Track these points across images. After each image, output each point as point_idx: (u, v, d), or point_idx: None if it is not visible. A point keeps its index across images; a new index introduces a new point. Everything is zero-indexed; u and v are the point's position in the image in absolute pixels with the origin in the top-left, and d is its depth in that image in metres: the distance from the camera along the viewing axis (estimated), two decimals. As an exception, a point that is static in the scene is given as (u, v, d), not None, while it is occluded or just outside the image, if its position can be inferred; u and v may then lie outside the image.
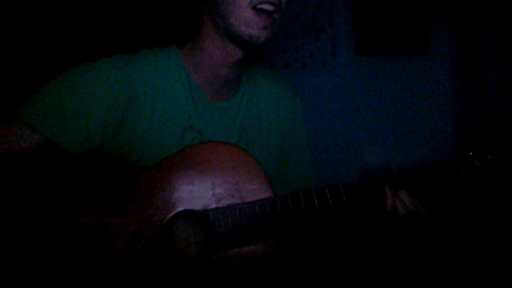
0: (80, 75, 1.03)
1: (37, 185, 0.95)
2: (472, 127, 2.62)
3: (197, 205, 1.01)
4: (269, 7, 1.03)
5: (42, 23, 2.21)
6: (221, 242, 1.01)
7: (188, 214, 1.02)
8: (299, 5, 2.78)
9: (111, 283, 0.96)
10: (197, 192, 1.02)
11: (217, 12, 1.07)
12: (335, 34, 2.81)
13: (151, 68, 1.10)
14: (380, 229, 1.14)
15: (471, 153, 1.10)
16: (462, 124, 2.73)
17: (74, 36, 2.23)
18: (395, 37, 2.74)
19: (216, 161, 1.03)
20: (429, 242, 1.94)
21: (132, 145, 1.07)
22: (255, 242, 1.03)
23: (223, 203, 1.02)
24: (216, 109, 1.15)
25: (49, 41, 2.21)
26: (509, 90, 2.36)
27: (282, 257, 1.04)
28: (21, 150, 0.98)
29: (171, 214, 1.00)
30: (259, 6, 1.03)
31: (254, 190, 1.03)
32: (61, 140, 1.00)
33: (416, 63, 2.80)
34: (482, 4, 2.44)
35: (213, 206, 1.02)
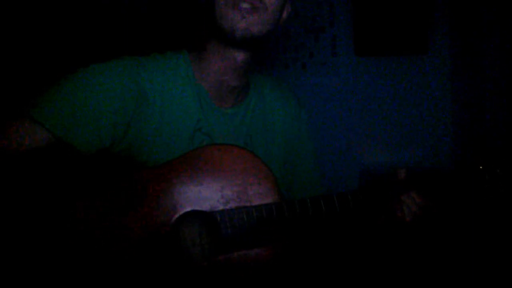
0: (90, 75, 1.03)
1: (44, 183, 0.95)
2: (472, 127, 2.62)
3: (205, 206, 1.02)
4: (245, 5, 1.03)
5: (55, 24, 2.21)
6: (227, 244, 1.01)
7: (195, 214, 1.02)
8: (299, 5, 2.78)
9: (115, 281, 0.96)
10: (205, 193, 1.02)
11: (211, 18, 1.08)
12: (335, 34, 2.81)
13: (160, 70, 1.11)
14: (387, 234, 1.14)
15: (481, 167, 1.11)
16: (462, 124, 2.74)
17: (85, 37, 2.24)
18: (395, 37, 2.75)
19: (225, 163, 1.03)
20: (434, 248, 1.95)
21: (141, 146, 1.08)
22: (261, 246, 1.03)
23: (231, 205, 1.02)
24: (222, 115, 1.16)
25: (61, 42, 2.21)
26: (509, 90, 2.36)
27: (286, 262, 1.05)
28: (30, 148, 0.97)
29: (178, 214, 1.01)
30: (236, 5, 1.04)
31: (262, 194, 1.04)
32: (73, 140, 0.99)
33: (416, 63, 2.80)
34: (482, 4, 2.45)
35: (221, 208, 1.02)
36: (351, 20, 2.79)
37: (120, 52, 1.13)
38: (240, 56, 1.10)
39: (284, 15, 1.16)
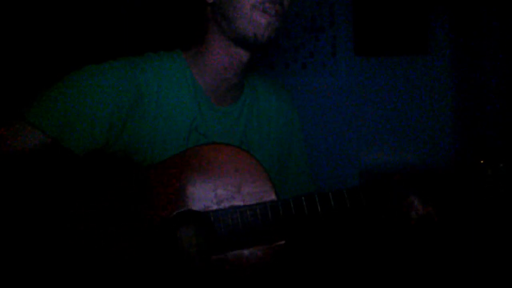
0: (85, 76, 1.03)
1: (42, 184, 0.95)
2: (472, 127, 2.62)
3: (199, 206, 1.02)
4: (271, 12, 1.06)
5: (47, 25, 2.21)
6: (221, 244, 1.01)
7: (189, 214, 1.02)
8: (299, 5, 2.78)
9: (113, 281, 0.96)
10: (199, 193, 1.02)
11: (222, 15, 1.08)
12: (335, 34, 2.81)
13: (156, 70, 1.11)
14: (385, 233, 1.13)
15: (482, 161, 1.08)
16: (462, 124, 2.74)
17: (79, 39, 2.24)
18: (395, 37, 2.75)
19: (219, 163, 1.03)
20: (438, 247, 1.94)
21: (136, 146, 1.08)
22: (256, 245, 1.03)
23: (224, 204, 1.02)
24: (219, 113, 1.16)
25: (53, 43, 2.21)
26: (509, 90, 2.36)
27: (282, 261, 1.04)
28: (26, 150, 0.98)
29: (173, 214, 1.01)
30: (262, 11, 1.05)
31: (257, 193, 1.03)
32: (65, 141, 1.00)
33: (416, 63, 2.80)
34: (482, 4, 2.44)
35: (215, 207, 1.02)
36: (351, 20, 2.78)
37: (115, 49, 1.14)
38: (246, 55, 1.12)
39: None
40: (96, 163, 1.06)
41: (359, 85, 2.82)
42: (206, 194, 1.02)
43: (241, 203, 1.02)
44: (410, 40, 2.74)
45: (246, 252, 1.02)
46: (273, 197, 1.04)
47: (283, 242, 1.04)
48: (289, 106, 1.31)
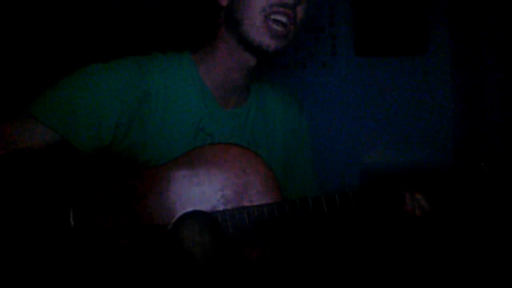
0: (92, 75, 1.03)
1: (47, 183, 0.95)
2: (471, 127, 2.63)
3: (206, 206, 1.01)
4: (282, 18, 1.05)
5: (56, 23, 2.21)
6: (228, 244, 1.01)
7: (196, 215, 1.02)
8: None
9: (117, 281, 0.96)
10: (206, 193, 1.02)
11: (232, 18, 1.08)
12: (335, 34, 2.81)
13: (163, 70, 1.11)
14: (395, 228, 1.14)
15: (482, 164, 1.10)
16: (462, 124, 2.74)
17: (88, 38, 2.24)
18: (395, 37, 2.75)
19: (226, 163, 1.03)
20: (438, 247, 1.95)
21: (143, 145, 1.08)
22: (262, 245, 1.03)
23: (231, 205, 1.02)
24: (226, 115, 1.16)
25: (62, 42, 2.21)
26: (509, 90, 2.36)
27: (288, 261, 1.05)
28: (32, 147, 0.98)
29: (179, 214, 1.00)
30: (272, 17, 1.04)
31: (263, 193, 1.03)
32: (73, 139, 1.00)
33: (416, 63, 2.80)
34: (482, 4, 2.45)
35: (222, 207, 1.02)
36: (351, 20, 2.79)
37: (122, 51, 1.13)
38: (253, 60, 1.11)
39: None
40: (102, 163, 1.06)
41: (359, 85, 2.83)
42: (213, 194, 1.02)
43: (248, 204, 1.02)
44: (410, 40, 2.75)
45: (253, 252, 1.02)
46: (279, 198, 1.04)
47: (289, 242, 1.04)
48: (298, 113, 1.31)
